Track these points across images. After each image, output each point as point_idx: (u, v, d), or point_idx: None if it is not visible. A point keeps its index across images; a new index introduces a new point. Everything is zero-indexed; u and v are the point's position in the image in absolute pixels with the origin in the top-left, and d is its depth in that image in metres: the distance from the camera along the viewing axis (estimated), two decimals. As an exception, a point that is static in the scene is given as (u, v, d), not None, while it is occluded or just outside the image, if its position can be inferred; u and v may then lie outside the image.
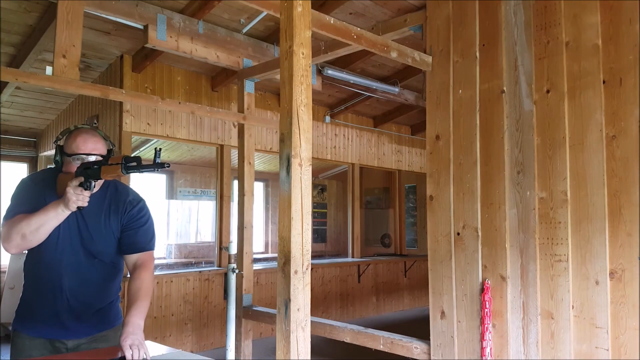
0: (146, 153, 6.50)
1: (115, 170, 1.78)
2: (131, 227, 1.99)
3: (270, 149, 6.19)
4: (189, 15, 3.86)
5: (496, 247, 2.65)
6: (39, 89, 5.45)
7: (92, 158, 1.89)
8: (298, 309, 1.92)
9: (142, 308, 1.85)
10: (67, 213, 1.80)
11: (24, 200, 1.88)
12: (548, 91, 2.54)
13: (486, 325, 2.61)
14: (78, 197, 1.77)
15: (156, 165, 1.71)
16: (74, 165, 1.88)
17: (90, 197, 1.80)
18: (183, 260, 6.77)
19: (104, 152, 1.94)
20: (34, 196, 1.89)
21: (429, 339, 2.86)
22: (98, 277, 1.98)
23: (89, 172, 1.80)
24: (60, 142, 2.00)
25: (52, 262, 1.90)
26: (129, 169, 1.77)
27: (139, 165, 1.76)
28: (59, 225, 1.83)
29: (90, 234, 1.95)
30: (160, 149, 1.78)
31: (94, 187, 1.80)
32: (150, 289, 1.95)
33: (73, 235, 1.92)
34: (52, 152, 6.39)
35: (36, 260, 1.92)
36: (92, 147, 1.92)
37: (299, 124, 1.95)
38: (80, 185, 1.78)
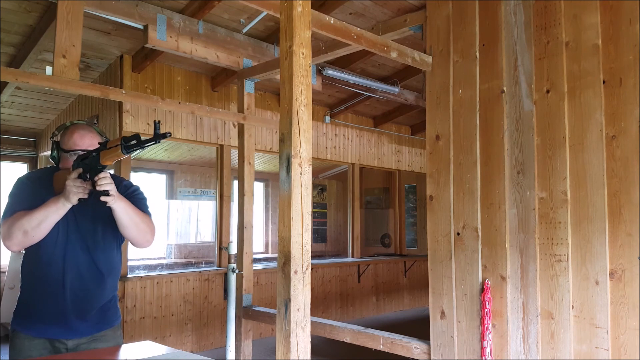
0: (146, 153, 6.50)
1: (115, 152, 1.73)
2: (129, 199, 1.97)
3: (270, 149, 6.19)
4: (189, 15, 3.86)
5: (496, 247, 2.65)
6: (39, 89, 5.45)
7: None
8: (298, 309, 1.92)
9: (132, 206, 1.92)
10: (68, 206, 1.80)
11: (23, 198, 1.88)
12: (548, 91, 2.54)
13: (486, 325, 2.61)
14: (78, 189, 1.76)
15: (157, 137, 1.66)
16: (71, 161, 1.88)
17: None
18: (183, 260, 6.77)
19: None
20: (31, 194, 1.89)
21: (429, 339, 2.86)
22: (98, 272, 1.97)
23: (87, 162, 1.78)
24: (57, 138, 2.00)
25: (52, 259, 1.89)
26: (129, 148, 1.71)
27: (140, 142, 1.70)
28: (58, 221, 1.83)
29: (89, 223, 1.95)
30: (159, 120, 1.75)
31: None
32: (148, 221, 1.99)
33: (72, 229, 1.92)
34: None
35: (36, 259, 1.91)
36: (89, 143, 1.93)
37: (299, 124, 1.95)
38: (80, 176, 1.77)
